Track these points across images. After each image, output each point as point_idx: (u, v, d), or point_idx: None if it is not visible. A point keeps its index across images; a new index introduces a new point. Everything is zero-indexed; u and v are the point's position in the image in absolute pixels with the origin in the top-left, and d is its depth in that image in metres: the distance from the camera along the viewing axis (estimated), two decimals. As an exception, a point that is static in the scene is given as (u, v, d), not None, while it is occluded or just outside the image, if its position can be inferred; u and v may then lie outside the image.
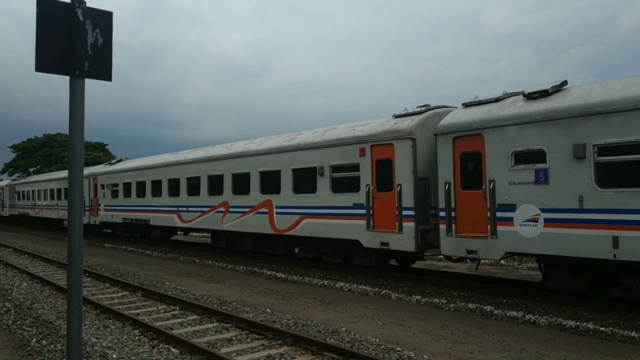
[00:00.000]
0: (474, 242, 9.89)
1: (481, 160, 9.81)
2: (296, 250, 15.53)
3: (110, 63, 4.32)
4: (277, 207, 14.75)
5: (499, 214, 9.48)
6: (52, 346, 7.28)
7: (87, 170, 28.66)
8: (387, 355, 6.62)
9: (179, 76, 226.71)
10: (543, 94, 9.21)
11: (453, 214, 10.24)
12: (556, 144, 8.70)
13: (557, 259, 9.05)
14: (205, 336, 7.79)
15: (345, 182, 12.81)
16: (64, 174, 32.04)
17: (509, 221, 9.32)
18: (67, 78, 4.14)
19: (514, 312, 9.01)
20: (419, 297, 10.47)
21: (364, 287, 11.57)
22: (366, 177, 12.11)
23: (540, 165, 8.92)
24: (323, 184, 13.30)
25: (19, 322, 8.88)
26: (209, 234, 24.47)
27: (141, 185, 22.50)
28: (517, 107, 9.44)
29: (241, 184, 16.24)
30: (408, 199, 11.13)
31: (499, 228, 9.47)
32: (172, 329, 8.10)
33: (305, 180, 13.92)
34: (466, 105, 10.63)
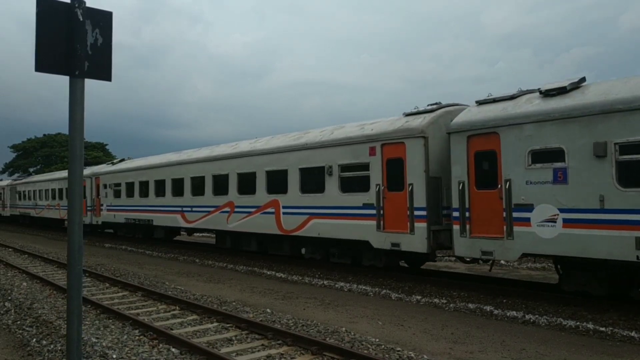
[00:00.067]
0: (489, 243, 9.66)
1: (496, 159, 9.59)
2: (303, 251, 15.35)
3: (110, 63, 4.32)
4: (284, 207, 14.56)
5: (515, 214, 9.25)
6: (52, 346, 7.28)
7: (89, 170, 28.55)
8: (387, 355, 6.62)
9: (179, 76, 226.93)
10: (561, 91, 8.97)
11: (467, 214, 10.02)
12: (575, 142, 8.48)
13: (576, 260, 8.82)
14: (205, 336, 7.79)
15: (354, 181, 12.61)
16: (65, 173, 31.95)
17: (526, 221, 9.09)
18: (66, 78, 4.15)
19: (514, 312, 9.00)
20: (419, 297, 10.47)
21: (364, 287, 11.57)
22: (376, 176, 11.91)
23: (558, 164, 8.70)
24: (331, 184, 13.11)
25: (19, 322, 8.88)
26: (209, 234, 24.70)
27: (144, 185, 22.30)
28: (533, 104, 9.21)
29: (247, 183, 16.05)
30: (420, 199, 10.91)
31: (516, 229, 9.25)
32: (172, 329, 8.10)
33: (313, 179, 13.72)
34: (480, 102, 10.41)
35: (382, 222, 11.75)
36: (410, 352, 6.78)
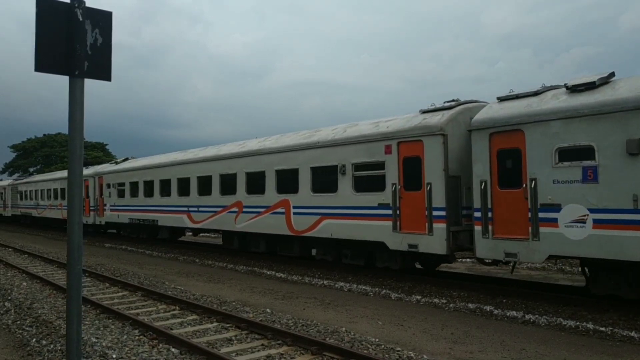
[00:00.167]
0: (513, 244, 9.30)
1: (521, 157, 9.23)
2: (313, 252, 14.98)
3: (109, 63, 4.32)
4: (294, 207, 14.24)
5: (541, 215, 8.90)
6: (51, 346, 7.28)
7: (92, 170, 28.35)
8: (386, 355, 6.62)
9: (179, 76, 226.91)
10: (589, 86, 8.60)
11: (489, 214, 9.66)
12: (607, 139, 8.10)
13: (606, 262, 8.47)
14: (205, 336, 7.80)
15: (369, 180, 12.25)
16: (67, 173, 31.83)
17: (553, 222, 8.72)
18: (66, 78, 4.15)
19: (514, 312, 9.00)
20: (418, 297, 10.47)
21: (363, 287, 11.57)
22: (392, 175, 11.55)
23: (588, 163, 8.33)
24: (345, 183, 12.75)
25: (18, 322, 8.89)
26: (210, 234, 24.63)
27: (149, 185, 21.96)
28: (560, 100, 8.85)
29: (255, 183, 15.71)
30: (439, 199, 10.56)
31: (542, 229, 8.89)
32: (171, 329, 8.11)
33: (325, 179, 13.37)
34: (501, 99, 10.05)
35: (398, 223, 11.39)
36: (410, 352, 6.78)
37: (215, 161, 17.78)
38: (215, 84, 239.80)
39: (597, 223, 8.22)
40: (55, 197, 32.79)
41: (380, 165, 11.88)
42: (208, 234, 24.93)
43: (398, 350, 6.85)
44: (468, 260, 13.43)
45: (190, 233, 22.54)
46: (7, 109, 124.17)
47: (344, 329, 8.04)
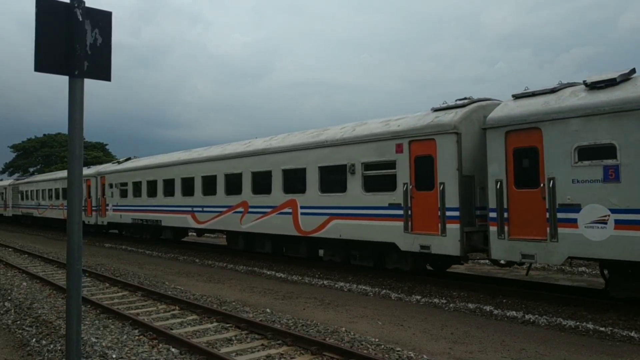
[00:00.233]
0: (530, 245, 9.05)
1: (538, 156, 9.00)
2: (321, 253, 14.79)
3: (109, 63, 4.32)
4: (302, 208, 14.01)
5: (560, 215, 8.66)
6: (51, 346, 7.28)
7: (94, 169, 28.12)
8: (386, 355, 6.62)
9: (179, 76, 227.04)
10: (610, 83, 8.38)
11: (505, 214, 9.44)
12: (629, 137, 7.89)
13: (627, 264, 8.32)
14: (205, 336, 7.80)
15: (379, 180, 12.02)
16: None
17: (572, 223, 8.48)
18: (66, 78, 4.15)
19: (514, 312, 9.00)
20: (418, 297, 10.46)
21: (363, 287, 11.57)
22: (403, 175, 11.32)
23: (609, 161, 8.10)
24: (354, 183, 12.52)
25: (18, 322, 8.89)
26: (210, 234, 24.57)
27: (152, 185, 21.71)
28: (580, 97, 8.64)
29: (262, 182, 15.49)
30: (452, 199, 10.32)
31: (560, 230, 8.65)
32: (171, 329, 8.11)
33: (333, 178, 13.16)
34: (517, 97, 9.83)
35: (410, 223, 11.16)
36: (410, 352, 6.78)
37: (220, 160, 17.53)
38: (215, 84, 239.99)
39: (619, 224, 8.01)
40: (57, 197, 32.60)
41: (391, 165, 11.67)
42: (208, 234, 24.90)
43: (398, 350, 6.85)
44: (469, 260, 13.37)
45: (194, 234, 22.31)
46: (7, 109, 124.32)
47: (343, 329, 8.04)
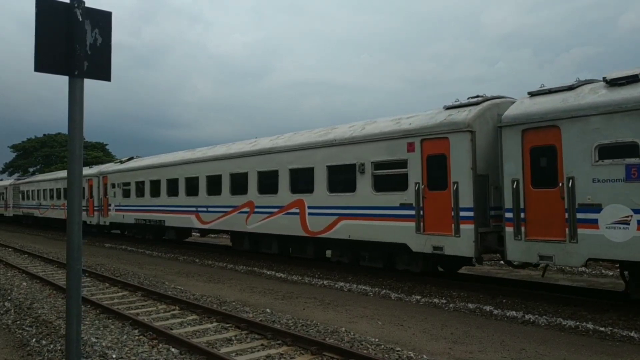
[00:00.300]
0: (549, 246, 8.79)
1: (556, 155, 8.77)
2: (328, 253, 14.55)
3: (109, 63, 4.32)
4: (309, 208, 13.76)
5: (579, 215, 8.42)
6: (51, 346, 7.28)
7: (96, 169, 27.93)
8: (386, 355, 6.62)
9: (179, 76, 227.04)
10: (631, 79, 8.12)
11: (522, 215, 9.18)
12: None
13: None
14: (205, 336, 7.80)
15: (390, 180, 11.75)
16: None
17: (593, 223, 8.24)
18: (66, 78, 4.15)
19: (514, 312, 9.01)
20: (418, 297, 10.46)
21: (363, 287, 11.57)
22: (415, 174, 11.07)
23: (632, 160, 7.86)
24: (364, 183, 12.26)
25: (18, 322, 8.89)
26: (213, 234, 24.47)
27: (156, 184, 21.44)
28: (600, 94, 8.39)
29: (268, 182, 15.22)
30: (466, 199, 10.07)
31: (580, 231, 8.40)
32: (171, 329, 8.11)
33: (342, 178, 12.88)
34: (533, 94, 9.57)
35: (422, 224, 10.90)
36: (410, 352, 6.78)
37: (225, 160, 17.26)
38: (215, 84, 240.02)
39: None
40: (58, 197, 32.42)
41: (402, 164, 11.42)
42: (210, 234, 24.86)
43: (398, 350, 6.85)
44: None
45: (198, 234, 22.08)
46: (7, 109, 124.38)
47: (343, 329, 8.04)
